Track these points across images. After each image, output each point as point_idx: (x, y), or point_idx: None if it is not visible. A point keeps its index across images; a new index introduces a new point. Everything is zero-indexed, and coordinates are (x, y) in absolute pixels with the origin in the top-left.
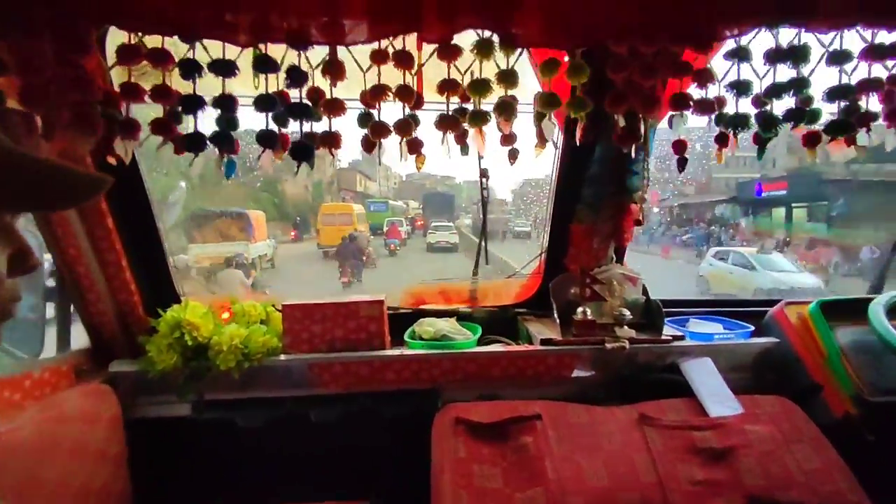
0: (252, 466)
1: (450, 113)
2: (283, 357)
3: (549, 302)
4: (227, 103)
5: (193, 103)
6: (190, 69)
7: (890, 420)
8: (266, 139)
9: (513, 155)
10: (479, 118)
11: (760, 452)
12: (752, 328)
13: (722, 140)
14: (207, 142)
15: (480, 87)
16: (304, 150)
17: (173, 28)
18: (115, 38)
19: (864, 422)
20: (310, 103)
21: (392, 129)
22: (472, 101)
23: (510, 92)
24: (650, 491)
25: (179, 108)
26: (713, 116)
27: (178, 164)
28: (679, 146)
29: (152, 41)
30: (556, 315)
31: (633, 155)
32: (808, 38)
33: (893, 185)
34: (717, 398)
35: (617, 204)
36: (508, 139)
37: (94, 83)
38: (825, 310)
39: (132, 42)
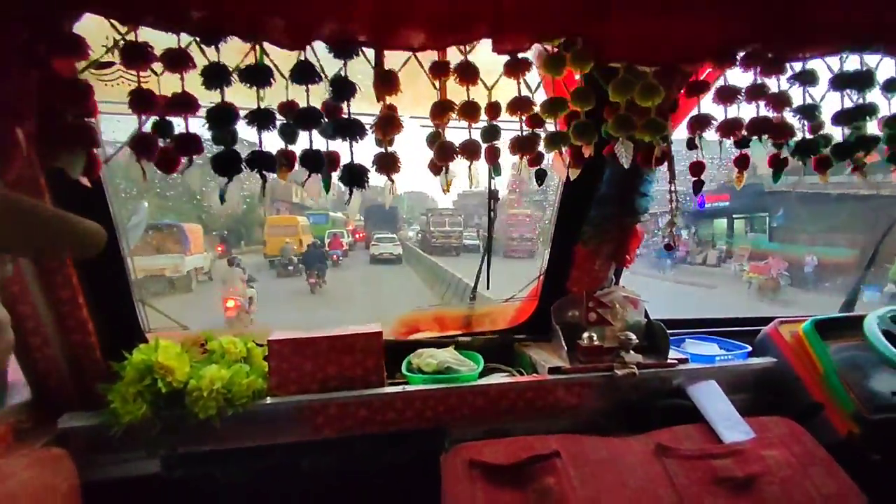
0: None
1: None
2: (269, 400)
3: (546, 326)
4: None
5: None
6: (216, 75)
7: (891, 437)
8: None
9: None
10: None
11: (781, 479)
12: (750, 348)
13: (742, 164)
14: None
15: (557, 105)
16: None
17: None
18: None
19: (867, 440)
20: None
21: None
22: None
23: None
24: None
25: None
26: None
27: (141, 181)
28: (696, 168)
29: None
30: (562, 341)
31: (642, 176)
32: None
33: (826, 196)
34: (729, 423)
35: (621, 225)
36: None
37: (91, 91)
38: (819, 328)
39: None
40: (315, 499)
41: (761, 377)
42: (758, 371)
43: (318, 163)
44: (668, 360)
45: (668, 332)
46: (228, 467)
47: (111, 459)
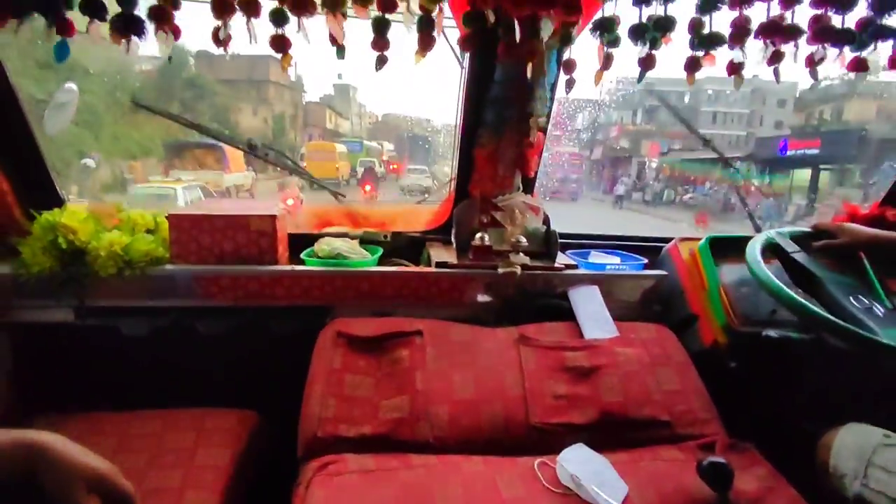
0: (138, 373)
1: None
2: (168, 267)
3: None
4: None
5: None
6: None
7: (752, 347)
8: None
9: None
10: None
11: (624, 373)
12: (646, 261)
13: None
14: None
15: None
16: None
17: None
18: None
19: (730, 349)
20: None
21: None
22: None
23: None
24: (513, 403)
25: None
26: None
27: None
28: (567, 66)
29: None
30: (453, 239)
31: (534, 75)
32: None
33: None
34: (596, 323)
35: (520, 130)
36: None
37: None
38: (713, 246)
39: None
40: (208, 357)
41: (650, 288)
42: (647, 282)
43: None
44: (555, 265)
45: (585, 244)
46: (131, 321)
47: (27, 304)
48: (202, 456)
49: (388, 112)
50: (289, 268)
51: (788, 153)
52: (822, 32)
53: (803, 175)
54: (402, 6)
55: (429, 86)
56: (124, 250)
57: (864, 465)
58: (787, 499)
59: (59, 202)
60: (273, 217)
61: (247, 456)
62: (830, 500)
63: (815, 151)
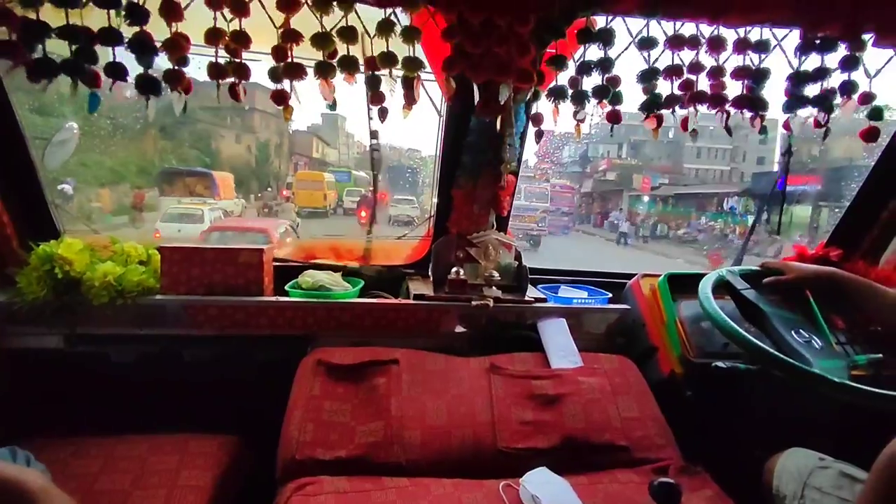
0: (125, 399)
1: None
2: (158, 297)
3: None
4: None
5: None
6: None
7: (705, 377)
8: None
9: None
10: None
11: (587, 400)
12: (610, 295)
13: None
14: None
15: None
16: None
17: None
18: None
19: (686, 379)
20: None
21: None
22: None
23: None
24: (482, 428)
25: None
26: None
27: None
28: (535, 119)
29: None
30: (430, 272)
31: (503, 127)
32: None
33: None
34: (563, 353)
35: (494, 173)
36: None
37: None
38: (672, 282)
39: None
40: (193, 384)
41: (615, 322)
42: (611, 315)
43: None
44: (526, 298)
45: (553, 278)
46: (120, 349)
47: (20, 331)
48: (185, 477)
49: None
50: (273, 299)
51: (788, 188)
52: (740, 101)
53: (804, 212)
54: (385, 70)
55: (416, 117)
56: (117, 280)
57: (801, 487)
58: None
59: (55, 234)
60: (261, 250)
61: (228, 478)
62: None
63: (816, 187)
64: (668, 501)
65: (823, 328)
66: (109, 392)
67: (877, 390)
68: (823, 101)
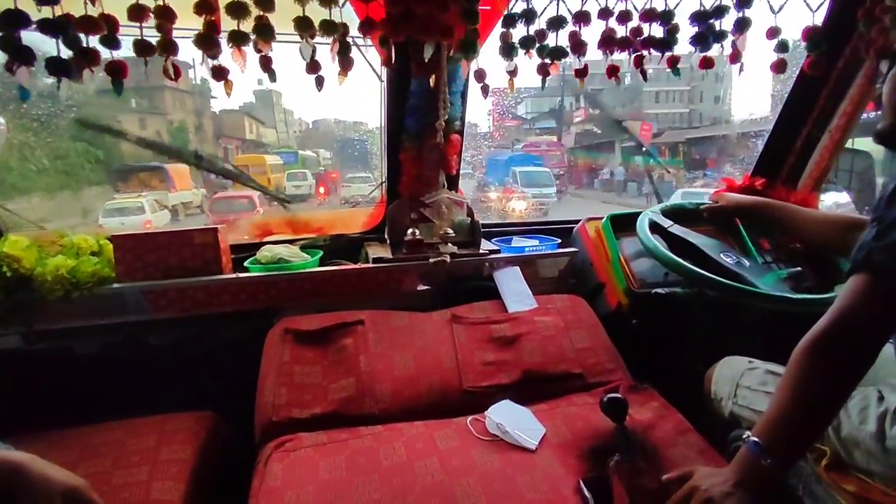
0: (95, 390)
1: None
2: (116, 285)
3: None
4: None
5: None
6: None
7: (648, 305)
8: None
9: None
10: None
11: (542, 337)
12: (559, 241)
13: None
14: None
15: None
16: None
17: None
18: None
19: (631, 309)
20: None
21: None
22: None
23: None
24: (448, 374)
25: None
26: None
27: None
28: (478, 75)
29: None
30: (386, 236)
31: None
32: None
33: None
34: (518, 298)
35: (436, 133)
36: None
37: None
38: (614, 223)
39: None
40: (164, 367)
41: (565, 265)
42: (561, 259)
43: None
44: (481, 252)
45: (506, 230)
46: (84, 341)
47: None
48: (166, 452)
49: (320, 118)
50: (234, 276)
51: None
52: (648, 41)
53: None
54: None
55: (357, 88)
56: (70, 273)
57: (734, 388)
58: (674, 423)
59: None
60: (215, 230)
61: (207, 449)
62: (714, 421)
63: None
64: (617, 413)
65: (751, 249)
66: (78, 385)
67: (808, 296)
68: (721, 37)
